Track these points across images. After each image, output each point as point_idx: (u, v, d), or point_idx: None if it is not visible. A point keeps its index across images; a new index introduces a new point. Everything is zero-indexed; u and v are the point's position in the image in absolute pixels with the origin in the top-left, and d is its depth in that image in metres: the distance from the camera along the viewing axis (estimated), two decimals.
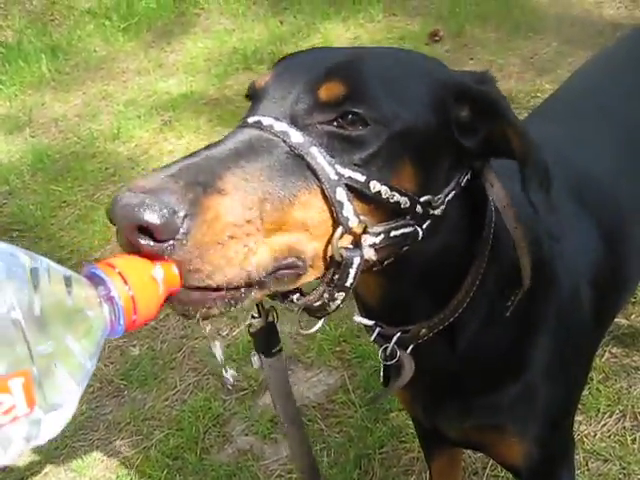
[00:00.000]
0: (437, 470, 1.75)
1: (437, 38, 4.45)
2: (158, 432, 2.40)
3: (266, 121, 0.87)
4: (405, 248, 0.95)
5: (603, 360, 2.25)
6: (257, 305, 1.06)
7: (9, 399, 0.56)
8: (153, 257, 0.72)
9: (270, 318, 1.08)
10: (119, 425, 2.47)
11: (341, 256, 0.85)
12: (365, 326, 1.17)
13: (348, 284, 0.88)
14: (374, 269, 0.96)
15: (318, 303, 0.91)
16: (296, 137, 0.85)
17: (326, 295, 0.90)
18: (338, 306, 0.92)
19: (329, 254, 0.86)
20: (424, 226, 0.95)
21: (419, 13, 4.90)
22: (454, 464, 1.79)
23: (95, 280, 0.67)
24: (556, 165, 1.41)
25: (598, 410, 2.11)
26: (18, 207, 3.72)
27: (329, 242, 0.86)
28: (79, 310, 0.63)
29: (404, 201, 0.90)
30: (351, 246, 0.87)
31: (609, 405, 2.12)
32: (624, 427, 2.06)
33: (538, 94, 3.68)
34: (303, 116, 0.88)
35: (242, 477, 2.17)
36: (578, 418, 2.08)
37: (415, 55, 1.04)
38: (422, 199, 0.92)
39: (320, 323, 0.98)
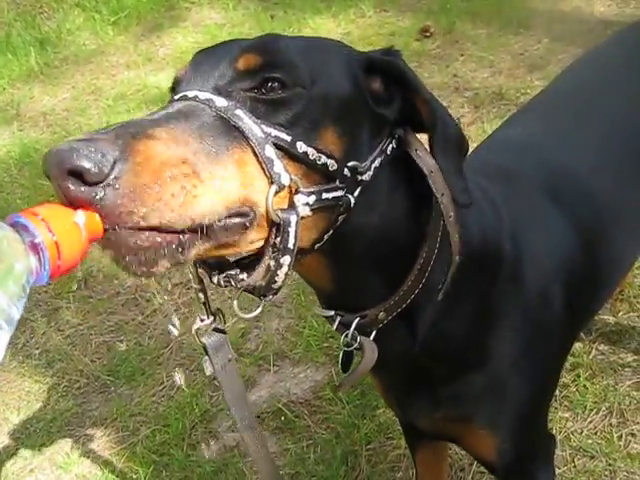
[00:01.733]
0: (422, 465, 1.75)
1: (428, 34, 4.45)
2: (145, 428, 2.39)
3: (190, 94, 0.90)
4: (341, 217, 0.98)
5: (590, 357, 2.25)
6: (204, 306, 1.08)
7: None
8: (85, 204, 0.74)
9: (218, 321, 1.10)
10: (105, 421, 2.46)
11: (278, 217, 0.88)
12: (327, 317, 1.17)
13: (290, 245, 0.90)
14: (316, 246, 0.98)
15: (265, 278, 0.93)
16: (220, 102, 0.89)
17: (272, 263, 0.91)
18: (286, 276, 0.93)
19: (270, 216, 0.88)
20: (355, 193, 0.98)
21: (410, 9, 4.89)
22: (439, 459, 1.79)
23: (19, 227, 0.68)
24: (536, 163, 1.41)
25: (585, 407, 2.11)
26: (5, 201, 3.71)
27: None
28: (4, 253, 0.64)
29: (331, 163, 0.93)
30: (286, 207, 0.90)
31: (596, 402, 2.12)
32: (610, 424, 2.06)
33: (528, 90, 3.67)
34: (225, 86, 0.92)
35: (228, 473, 2.16)
36: (565, 415, 2.09)
37: (328, 39, 1.09)
38: (349, 164, 0.96)
39: (260, 307, 0.99)
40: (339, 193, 0.95)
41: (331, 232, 0.98)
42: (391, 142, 1.04)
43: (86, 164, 0.72)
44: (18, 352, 2.82)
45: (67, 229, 0.72)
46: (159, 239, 0.78)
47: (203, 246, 0.83)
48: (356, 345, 1.15)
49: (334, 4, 5.03)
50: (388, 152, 1.03)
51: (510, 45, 4.22)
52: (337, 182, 0.95)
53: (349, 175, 0.96)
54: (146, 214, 0.76)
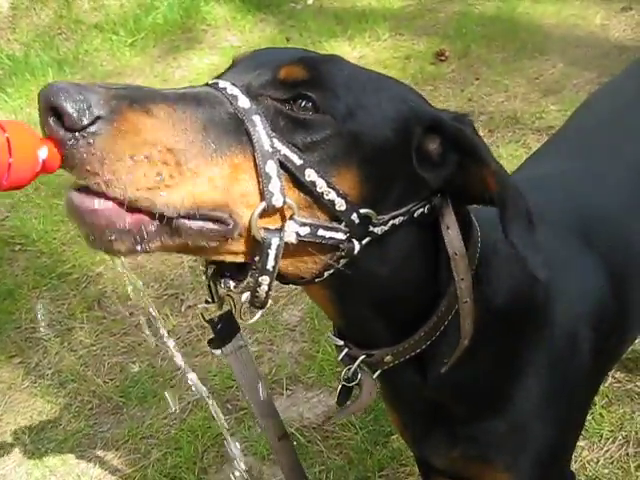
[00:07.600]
0: None
1: (443, 58, 4.46)
2: (156, 451, 2.37)
3: (222, 84, 0.89)
4: (343, 260, 0.94)
5: (606, 385, 2.22)
6: (210, 289, 1.02)
7: None
8: (56, 143, 0.75)
9: (227, 306, 1.05)
10: (117, 443, 2.45)
11: (259, 235, 0.85)
12: (336, 346, 1.16)
13: (269, 267, 0.87)
14: (317, 280, 0.96)
15: (247, 292, 0.91)
16: (243, 102, 0.86)
17: (251, 279, 0.89)
18: (268, 293, 0.91)
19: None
20: (363, 241, 0.94)
21: (425, 33, 4.91)
22: None
23: None
24: (567, 203, 1.38)
25: (601, 436, 2.08)
26: (20, 220, 3.72)
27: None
28: None
29: (340, 202, 0.89)
30: (272, 227, 0.86)
31: (612, 431, 2.10)
32: (627, 453, 2.03)
33: (543, 115, 3.68)
34: (258, 88, 0.89)
35: None
36: (580, 444, 2.06)
37: (400, 83, 1.02)
38: (361, 210, 0.91)
39: (259, 314, 0.96)
40: (340, 236, 0.91)
41: (332, 271, 0.95)
42: (423, 207, 0.99)
43: (68, 108, 0.73)
44: (30, 372, 2.82)
45: (26, 156, 0.73)
46: (117, 220, 0.77)
47: (168, 241, 0.81)
48: (356, 382, 1.14)
49: (350, 27, 5.06)
50: (415, 215, 0.98)
51: (525, 69, 4.23)
52: (341, 224, 0.90)
53: (357, 221, 0.91)
54: (109, 181, 0.75)
